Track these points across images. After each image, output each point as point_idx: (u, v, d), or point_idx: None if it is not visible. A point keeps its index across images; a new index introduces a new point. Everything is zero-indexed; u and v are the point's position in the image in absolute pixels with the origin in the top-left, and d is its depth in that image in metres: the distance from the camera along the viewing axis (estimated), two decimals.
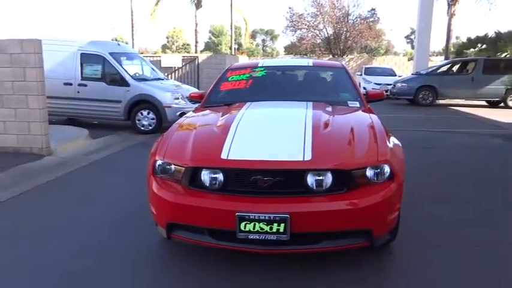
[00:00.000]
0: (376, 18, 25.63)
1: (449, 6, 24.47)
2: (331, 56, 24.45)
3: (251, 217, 2.40)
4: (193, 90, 9.61)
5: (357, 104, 3.80)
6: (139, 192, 4.51)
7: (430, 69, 15.91)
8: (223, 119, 3.15)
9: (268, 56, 39.94)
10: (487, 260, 2.94)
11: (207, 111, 3.73)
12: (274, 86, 4.19)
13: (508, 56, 17.80)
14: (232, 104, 3.69)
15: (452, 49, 24.30)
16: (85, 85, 8.73)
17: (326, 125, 2.95)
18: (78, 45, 8.84)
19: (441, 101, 14.79)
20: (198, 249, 2.97)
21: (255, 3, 79.81)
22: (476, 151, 6.88)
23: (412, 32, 51.12)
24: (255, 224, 2.41)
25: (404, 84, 14.85)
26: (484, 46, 19.16)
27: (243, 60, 23.50)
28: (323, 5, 25.12)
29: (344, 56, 24.19)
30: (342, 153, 2.61)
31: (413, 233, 3.30)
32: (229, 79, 4.23)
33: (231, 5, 21.97)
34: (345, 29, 25.33)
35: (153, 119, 8.54)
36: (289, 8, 26.97)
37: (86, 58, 8.78)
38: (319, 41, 26.32)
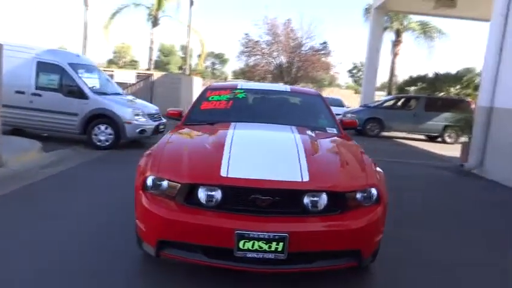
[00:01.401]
0: (328, 51, 26.91)
1: (393, 46, 26.37)
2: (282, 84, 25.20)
3: (251, 235, 2.43)
4: (152, 106, 9.48)
5: (335, 131, 3.98)
6: (102, 208, 4.41)
7: (377, 103, 16.90)
8: (213, 138, 3.17)
9: (218, 80, 40.24)
10: None
11: (193, 129, 3.73)
12: (254, 108, 4.29)
13: (444, 95, 19.34)
14: (215, 124, 3.73)
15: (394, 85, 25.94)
16: (39, 95, 8.33)
17: (316, 148, 3.08)
18: (35, 53, 8.46)
19: (386, 133, 15.68)
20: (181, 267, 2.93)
21: (205, 25, 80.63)
22: (429, 183, 7.30)
23: (355, 67, 54.24)
24: (254, 243, 2.44)
25: (353, 115, 15.57)
26: (423, 85, 20.70)
27: (197, 81, 23.56)
28: (278, 34, 25.93)
29: (295, 85, 25.00)
30: (336, 176, 2.74)
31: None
32: (209, 99, 4.28)
33: (189, 26, 22.03)
34: (297, 59, 26.26)
35: (110, 134, 8.27)
36: (245, 34, 27.45)
37: (43, 67, 8.41)
38: (272, 68, 27.02)
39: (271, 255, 2.47)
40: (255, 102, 4.39)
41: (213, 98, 4.27)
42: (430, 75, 21.12)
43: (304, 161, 2.76)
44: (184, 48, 60.29)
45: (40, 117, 8.33)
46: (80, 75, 8.46)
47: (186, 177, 2.62)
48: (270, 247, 2.44)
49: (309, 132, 3.55)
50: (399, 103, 16.80)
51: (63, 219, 4.00)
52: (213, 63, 62.57)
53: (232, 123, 3.62)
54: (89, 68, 9.27)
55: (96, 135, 8.24)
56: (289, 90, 4.73)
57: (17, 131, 8.80)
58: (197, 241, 2.56)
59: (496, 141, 7.44)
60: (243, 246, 2.45)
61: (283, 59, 26.96)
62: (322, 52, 26.86)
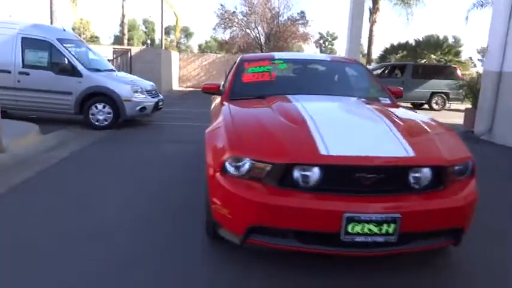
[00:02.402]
0: (305, 21, 26.41)
1: (371, 14, 26.17)
2: None
3: (362, 218, 2.22)
4: (147, 82, 8.96)
5: (388, 100, 3.78)
6: (146, 188, 4.14)
7: None
8: (285, 112, 2.90)
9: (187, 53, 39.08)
10: None
11: (249, 104, 3.43)
12: (301, 79, 4.02)
13: (426, 61, 19.51)
14: (267, 97, 3.44)
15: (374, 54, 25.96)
16: (27, 73, 7.70)
17: (400, 120, 2.85)
18: (18, 29, 7.76)
19: None
20: None
21: None
22: None
23: (321, 37, 53.95)
24: (363, 226, 2.23)
25: None
26: (405, 52, 20.79)
27: (175, 55, 22.75)
28: (255, 4, 25.17)
29: None
30: (438, 150, 2.54)
31: None
32: (249, 70, 3.96)
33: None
34: (276, 29, 25.68)
35: (109, 113, 7.78)
36: (221, 5, 26.49)
37: (29, 43, 7.75)
38: (250, 39, 26.36)
39: (381, 238, 2.27)
40: (300, 73, 4.11)
41: (253, 69, 3.95)
42: (411, 42, 21.26)
43: (399, 135, 2.55)
44: (147, 22, 58.36)
45: (30, 97, 7.72)
46: (70, 51, 7.85)
47: (281, 157, 2.34)
48: (380, 230, 2.25)
49: (377, 103, 3.32)
50: (386, 72, 16.77)
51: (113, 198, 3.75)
52: (179, 37, 60.73)
53: (290, 96, 3.35)
54: (78, 44, 8.65)
55: (93, 114, 7.73)
56: (330, 59, 4.46)
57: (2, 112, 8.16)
58: (294, 226, 2.33)
59: (506, 107, 7.47)
60: (352, 230, 2.24)
61: (261, 30, 26.32)
62: (301, 22, 26.37)
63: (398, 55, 21.25)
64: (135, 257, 2.73)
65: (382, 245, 2.31)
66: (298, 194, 2.32)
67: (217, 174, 2.52)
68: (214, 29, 27.18)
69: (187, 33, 59.69)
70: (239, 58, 4.31)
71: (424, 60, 19.74)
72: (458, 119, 10.21)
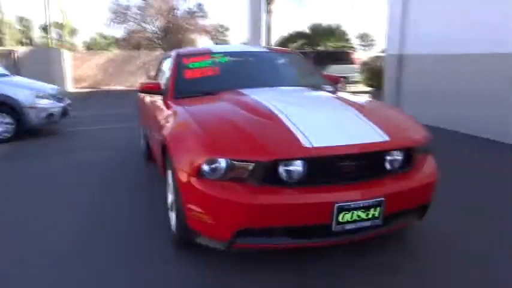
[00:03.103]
0: (204, 13, 26.11)
1: (267, 3, 26.82)
2: (162, 51, 23.91)
3: (351, 206, 2.24)
4: (49, 86, 8.08)
5: (331, 88, 3.87)
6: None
7: None
8: (250, 107, 2.79)
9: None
10: None
11: (203, 100, 3.24)
12: (246, 72, 3.87)
13: (323, 48, 20.70)
14: (218, 93, 3.29)
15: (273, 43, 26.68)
16: None
17: (361, 106, 2.93)
18: None
19: None
20: None
21: None
22: None
23: (225, 29, 54.03)
24: (353, 213, 2.25)
25: None
26: (304, 40, 21.80)
27: (67, 54, 20.88)
28: None
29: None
30: (406, 132, 2.66)
31: None
32: (190, 66, 3.75)
33: None
34: (174, 23, 24.96)
35: (10, 123, 6.85)
36: None
37: None
38: (148, 35, 25.26)
39: (367, 223, 2.32)
40: (242, 66, 3.98)
41: (193, 65, 3.75)
42: (307, 31, 22.35)
43: (367, 121, 2.62)
44: (22, 20, 52.57)
45: None
46: None
47: (264, 154, 2.24)
48: (367, 215, 2.29)
49: (328, 91, 3.36)
50: None
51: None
52: (59, 35, 55.83)
53: (244, 91, 3.25)
54: None
55: None
56: (267, 50, 4.42)
57: None
58: (284, 223, 2.27)
59: (408, 86, 8.22)
60: (342, 219, 2.25)
61: (158, 24, 25.37)
62: (200, 15, 26.02)
63: (297, 43, 22.18)
64: None
65: (369, 228, 2.37)
66: (285, 190, 2.26)
67: (193, 179, 2.35)
68: (107, 24, 25.52)
69: (71, 30, 55.14)
70: (174, 54, 4.06)
71: (321, 47, 20.93)
72: None
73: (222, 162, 2.27)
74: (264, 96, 3.04)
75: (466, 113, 6.73)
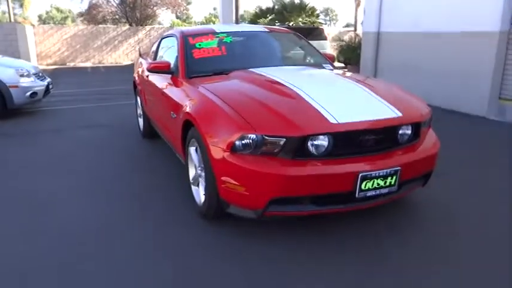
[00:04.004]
0: None
1: None
2: (128, 26, 23.26)
3: (373, 175, 2.53)
4: (29, 64, 7.92)
5: (330, 66, 4.13)
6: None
7: None
8: (271, 86, 3.03)
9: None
10: None
11: (218, 79, 3.44)
12: (253, 52, 4.08)
13: (293, 24, 20.76)
14: (230, 72, 3.51)
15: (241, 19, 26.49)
16: None
17: (369, 84, 3.21)
18: None
19: None
20: None
21: None
22: None
23: (188, 3, 52.56)
24: (373, 181, 2.55)
25: None
26: (273, 15, 21.73)
27: (29, 29, 19.95)
28: None
29: (144, 26, 23.37)
30: (415, 108, 2.98)
31: None
32: (197, 46, 3.88)
33: None
34: None
35: None
36: None
37: None
38: (113, 8, 24.42)
39: (385, 190, 2.64)
40: (247, 45, 4.15)
41: (200, 45, 3.89)
42: (277, 6, 22.28)
43: (380, 98, 2.90)
44: None
45: None
46: None
47: (295, 131, 2.49)
48: (385, 182, 2.61)
49: (330, 69, 3.61)
50: None
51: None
52: (14, 8, 52.49)
53: (257, 70, 3.48)
54: None
55: None
56: (268, 30, 4.57)
57: None
58: (312, 192, 2.54)
59: (385, 62, 8.61)
60: (365, 187, 2.55)
61: None
62: None
63: (267, 19, 22.11)
64: None
65: (385, 194, 2.68)
66: (314, 162, 2.53)
67: (227, 153, 2.57)
68: None
69: (21, 3, 51.77)
70: (178, 33, 4.15)
71: (292, 23, 20.98)
72: None
73: (255, 138, 2.50)
74: (278, 75, 3.26)
75: (440, 88, 7.20)
